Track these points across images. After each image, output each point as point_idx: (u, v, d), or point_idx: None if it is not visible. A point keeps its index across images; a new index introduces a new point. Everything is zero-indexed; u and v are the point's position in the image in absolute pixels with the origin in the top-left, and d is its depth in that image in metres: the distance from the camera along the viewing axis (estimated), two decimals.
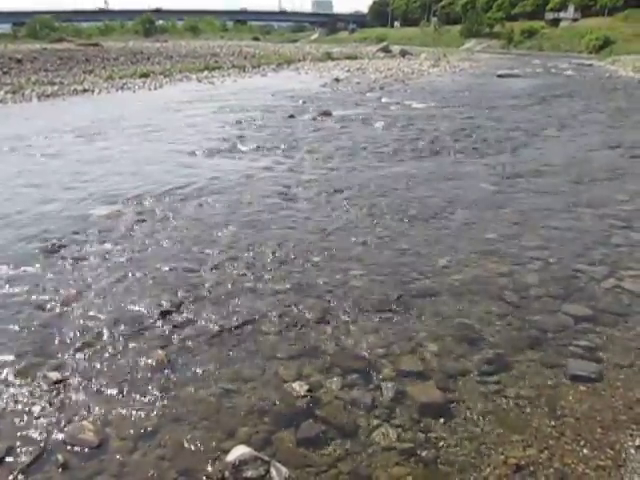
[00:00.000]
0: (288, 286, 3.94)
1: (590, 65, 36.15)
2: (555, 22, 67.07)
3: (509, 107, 14.32)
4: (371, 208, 5.69)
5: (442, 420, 2.66)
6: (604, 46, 50.36)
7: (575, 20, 65.32)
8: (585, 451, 2.47)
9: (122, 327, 3.39)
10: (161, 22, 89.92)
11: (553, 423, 2.65)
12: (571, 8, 67.10)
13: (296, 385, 2.84)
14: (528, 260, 4.44)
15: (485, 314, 3.60)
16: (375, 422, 2.63)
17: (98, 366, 3.01)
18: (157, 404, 2.72)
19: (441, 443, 2.52)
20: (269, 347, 3.21)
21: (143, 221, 5.26)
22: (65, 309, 3.59)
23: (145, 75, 21.93)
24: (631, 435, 2.57)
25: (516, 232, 5.08)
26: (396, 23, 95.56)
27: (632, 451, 2.48)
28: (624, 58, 36.85)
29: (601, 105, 15.10)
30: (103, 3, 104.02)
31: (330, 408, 2.72)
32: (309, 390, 2.80)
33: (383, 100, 15.18)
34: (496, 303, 3.74)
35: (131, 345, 3.21)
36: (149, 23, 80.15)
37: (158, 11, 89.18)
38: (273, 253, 4.51)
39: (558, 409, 2.74)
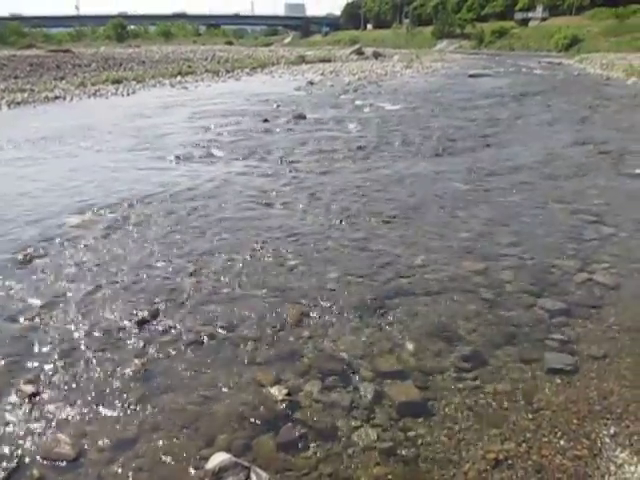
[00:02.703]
0: (265, 291, 3.92)
1: (559, 63, 36.85)
2: (524, 22, 68.32)
3: (481, 106, 14.52)
4: (346, 210, 5.71)
5: (421, 418, 2.68)
6: (572, 44, 51.42)
7: (544, 19, 66.65)
8: (562, 442, 2.51)
9: (97, 338, 3.34)
10: (133, 27, 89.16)
11: (530, 416, 2.69)
12: (539, 8, 68.44)
13: (275, 389, 2.84)
14: (502, 257, 4.50)
15: (461, 312, 3.63)
16: (355, 423, 2.64)
17: (73, 378, 2.96)
18: (134, 414, 2.69)
19: (421, 441, 2.54)
20: (247, 352, 3.20)
21: (117, 229, 5.19)
22: (38, 320, 3.53)
23: (117, 81, 21.68)
24: (606, 425, 2.62)
25: (490, 230, 5.15)
26: (369, 25, 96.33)
27: (607, 440, 2.53)
28: (592, 56, 37.64)
29: (571, 102, 15.39)
30: (74, 8, 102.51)
31: (309, 411, 2.72)
32: (288, 394, 2.79)
33: (357, 102, 15.25)
34: (472, 300, 3.78)
35: (107, 355, 3.16)
36: (121, 28, 79.34)
37: (129, 16, 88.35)
38: (249, 258, 4.49)
39: (535, 402, 2.79)
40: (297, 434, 2.56)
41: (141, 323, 3.49)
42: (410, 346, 3.24)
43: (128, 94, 18.38)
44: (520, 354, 3.18)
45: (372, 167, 7.61)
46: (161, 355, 3.17)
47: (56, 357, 3.14)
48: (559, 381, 2.95)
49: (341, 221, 5.39)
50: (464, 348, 3.23)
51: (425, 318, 3.56)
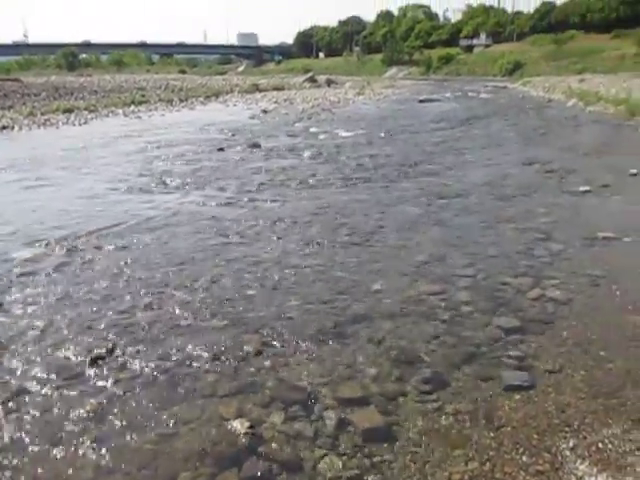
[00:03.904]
0: (225, 322, 3.87)
1: (504, 87, 38.46)
2: (469, 48, 71.38)
3: (431, 131, 14.95)
4: (303, 238, 5.73)
5: (386, 444, 2.67)
6: (515, 69, 53.87)
7: (487, 46, 69.83)
8: (524, 458, 2.55)
9: (49, 377, 3.21)
10: (85, 56, 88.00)
11: (492, 434, 2.72)
12: (483, 35, 71.77)
13: (237, 423, 2.78)
14: (457, 278, 4.60)
15: (420, 334, 3.67)
16: (320, 453, 2.61)
17: (24, 422, 2.82)
18: (90, 457, 2.58)
19: (386, 467, 2.53)
20: (207, 386, 3.13)
21: (69, 263, 5.04)
22: None
23: (69, 110, 21.29)
24: (565, 438, 2.67)
25: (444, 252, 5.25)
26: (321, 54, 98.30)
27: (567, 453, 2.58)
28: (534, 80, 39.45)
29: (516, 124, 16.04)
30: (22, 36, 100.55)
31: (273, 443, 2.67)
32: (251, 427, 2.74)
33: (311, 130, 15.45)
34: (430, 322, 3.84)
35: (60, 396, 3.04)
36: (72, 57, 78.07)
37: (80, 44, 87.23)
38: (207, 289, 4.43)
39: (496, 420, 2.82)
40: (261, 468, 2.51)
41: (96, 360, 3.38)
42: (372, 371, 3.25)
43: (80, 124, 18.07)
44: (479, 373, 3.23)
45: (328, 194, 7.69)
46: (117, 393, 3.07)
47: (4, 400, 2.99)
48: (518, 397, 3.01)
49: (299, 249, 5.41)
50: (424, 370, 3.26)
51: (385, 342, 3.58)
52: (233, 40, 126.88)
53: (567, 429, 2.73)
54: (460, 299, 4.19)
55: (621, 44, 47.46)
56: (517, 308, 4.04)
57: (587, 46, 51.79)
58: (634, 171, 8.45)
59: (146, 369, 3.29)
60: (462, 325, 3.80)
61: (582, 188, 7.59)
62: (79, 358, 3.41)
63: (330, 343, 3.58)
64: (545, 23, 65.32)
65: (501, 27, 71.59)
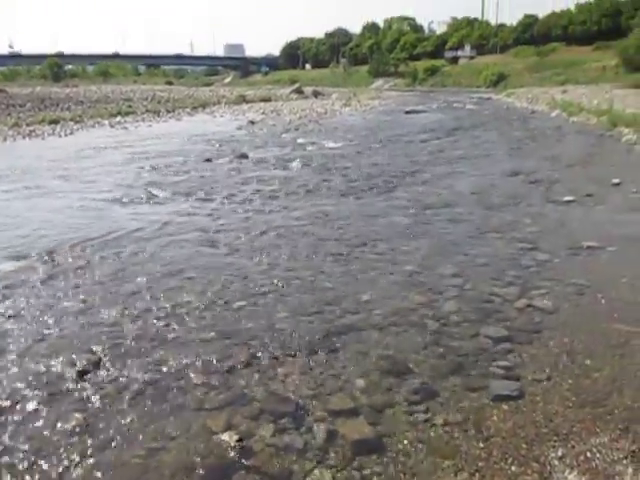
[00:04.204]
0: (212, 334, 3.85)
1: (489, 98, 38.93)
2: (454, 60, 72.30)
3: (417, 142, 15.07)
4: (291, 248, 5.73)
5: (375, 455, 2.66)
6: (499, 80, 54.58)
7: (472, 58, 70.79)
8: (513, 468, 2.56)
9: (34, 393, 3.16)
10: (70, 67, 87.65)
11: (481, 445, 2.72)
12: (467, 47, 72.75)
13: (225, 436, 2.76)
14: (445, 288, 4.62)
15: (409, 345, 3.68)
16: (309, 465, 2.59)
17: (7, 438, 2.77)
18: (75, 473, 2.54)
19: (376, 478, 2.52)
20: (196, 399, 3.11)
21: (56, 275, 4.99)
22: None
23: (54, 121, 21.18)
24: (553, 447, 2.68)
25: (432, 262, 5.28)
26: (307, 65, 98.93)
27: (556, 462, 2.59)
28: (518, 91, 39.98)
29: (501, 135, 16.23)
30: (7, 47, 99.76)
31: (262, 456, 2.65)
32: (239, 440, 2.72)
33: (298, 141, 15.49)
34: (418, 333, 3.84)
35: (45, 412, 2.99)
36: (57, 68, 77.62)
37: (66, 55, 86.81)
38: (195, 300, 4.41)
39: (485, 430, 2.83)
40: None
41: (82, 374, 3.34)
42: (361, 383, 3.24)
43: (66, 135, 17.96)
44: (467, 383, 3.24)
45: (315, 205, 7.70)
46: (104, 407, 3.04)
47: None
48: (506, 407, 3.02)
49: (288, 259, 5.40)
50: (413, 381, 3.26)
51: (374, 353, 3.58)
52: (220, 51, 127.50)
53: (555, 438, 2.74)
54: (448, 309, 4.21)
55: (602, 56, 48.31)
56: (504, 318, 4.07)
57: (569, 58, 52.68)
58: (616, 181, 8.58)
59: (133, 382, 3.26)
60: (450, 335, 3.81)
61: (566, 198, 7.69)
62: (65, 372, 3.37)
63: (319, 354, 3.57)
64: (528, 35, 66.41)
65: (485, 39, 72.64)
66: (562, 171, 10.03)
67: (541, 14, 68.41)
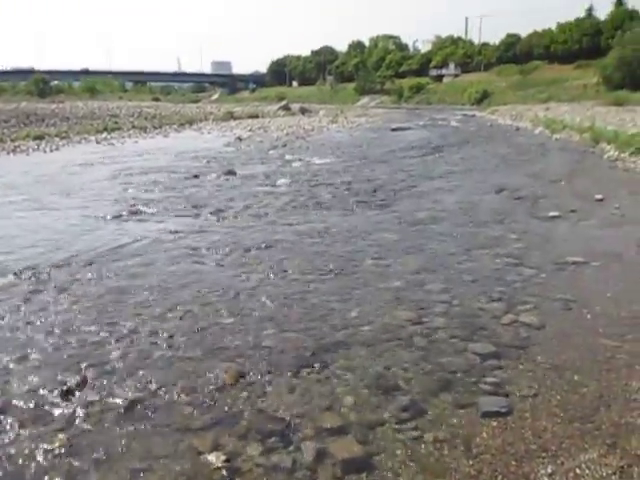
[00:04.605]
0: (200, 352, 3.81)
1: (473, 116, 39.48)
2: (439, 78, 73.46)
3: (404, 158, 15.20)
4: (280, 265, 5.71)
5: (365, 473, 2.64)
6: (483, 98, 55.44)
7: (456, 76, 72.01)
8: None
9: (17, 412, 3.10)
10: (57, 83, 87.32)
11: (471, 462, 2.71)
12: (452, 65, 73.98)
13: (212, 456, 2.72)
14: (433, 304, 4.63)
15: (397, 361, 3.67)
16: None
17: None
18: None
19: None
20: (182, 418, 3.06)
21: (40, 292, 4.92)
22: None
23: (40, 137, 21.01)
24: (542, 464, 2.68)
25: (420, 278, 5.30)
26: (294, 82, 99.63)
27: (545, 479, 2.58)
28: (502, 108, 40.65)
29: (486, 152, 16.43)
30: None
31: (250, 476, 2.62)
32: (227, 460, 2.68)
33: (286, 157, 15.55)
34: (407, 349, 3.84)
35: (28, 432, 2.93)
36: (43, 84, 77.17)
37: (52, 71, 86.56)
38: (182, 318, 4.37)
39: (474, 447, 2.82)
40: None
41: (67, 393, 3.28)
42: (349, 400, 3.22)
43: (51, 150, 17.84)
44: (456, 400, 3.24)
45: (303, 221, 7.71)
46: (89, 427, 2.98)
47: None
48: (495, 424, 3.02)
49: (275, 276, 5.39)
50: (402, 398, 3.25)
51: (363, 370, 3.56)
52: (207, 68, 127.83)
53: (544, 455, 2.74)
54: (436, 325, 4.22)
55: (583, 74, 49.37)
56: (492, 334, 4.08)
57: (551, 76, 53.77)
58: (599, 197, 8.72)
59: (118, 402, 3.21)
60: (439, 351, 3.81)
61: (551, 213, 7.78)
62: (48, 391, 3.31)
63: (308, 372, 3.55)
64: (511, 54, 67.72)
65: (469, 58, 73.93)
66: (547, 187, 10.17)
67: (523, 33, 69.90)
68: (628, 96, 31.13)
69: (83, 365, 3.62)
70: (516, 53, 66.95)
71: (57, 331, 4.14)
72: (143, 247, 6.42)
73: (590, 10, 64.14)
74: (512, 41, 69.75)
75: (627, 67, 38.71)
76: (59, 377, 3.46)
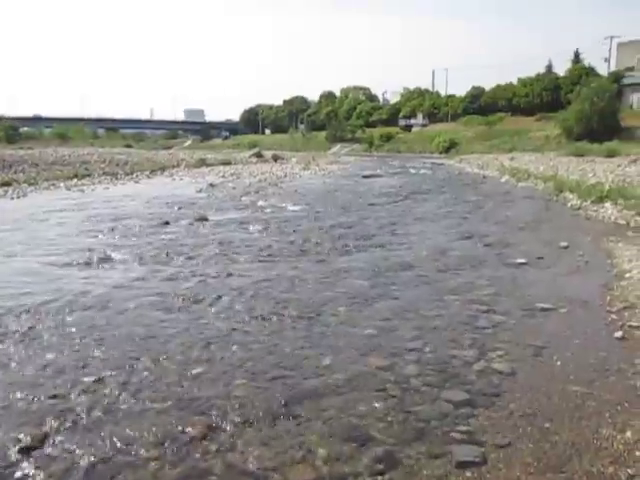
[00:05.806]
0: (168, 404, 3.70)
1: (442, 164, 40.60)
2: (408, 127, 75.81)
3: (375, 205, 15.45)
4: (250, 312, 5.66)
5: None
6: (451, 147, 57.16)
7: (425, 125, 74.47)
8: None
9: None
10: (26, 129, 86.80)
11: None
12: (420, 115, 76.59)
13: None
14: (406, 352, 4.62)
15: (370, 410, 3.63)
16: None
17: None
18: None
19: None
20: (149, 475, 2.94)
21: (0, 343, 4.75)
22: None
23: (7, 184, 20.67)
24: None
25: (392, 325, 5.30)
26: (267, 130, 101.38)
27: None
28: (469, 157, 41.96)
29: (455, 199, 16.84)
30: None
31: None
32: None
33: (259, 204, 15.62)
34: (380, 398, 3.80)
35: None
36: (12, 130, 76.54)
37: (22, 118, 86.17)
38: (150, 369, 4.25)
39: None
40: None
41: (26, 450, 3.13)
42: (323, 452, 3.15)
43: (18, 197, 17.56)
44: (430, 449, 3.20)
45: (275, 268, 7.69)
46: None
47: None
48: (469, 474, 2.98)
49: (246, 324, 5.32)
50: (376, 449, 3.19)
51: (336, 420, 3.50)
52: (180, 116, 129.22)
53: None
54: (409, 373, 4.20)
55: (545, 126, 51.49)
56: (464, 381, 4.08)
57: (515, 127, 55.89)
58: (564, 244, 8.97)
59: (81, 459, 3.07)
60: (412, 400, 3.78)
61: (519, 260, 7.95)
62: (6, 448, 3.15)
63: (279, 423, 3.47)
64: (476, 105, 70.43)
65: (436, 108, 76.60)
66: (514, 234, 10.43)
67: (487, 86, 73.00)
68: (588, 147, 32.52)
69: (44, 420, 3.47)
70: (481, 104, 69.68)
71: (17, 384, 3.98)
72: (109, 295, 6.29)
73: (549, 66, 67.70)
74: (477, 93, 72.69)
75: (586, 120, 40.65)
76: (18, 433, 3.31)
